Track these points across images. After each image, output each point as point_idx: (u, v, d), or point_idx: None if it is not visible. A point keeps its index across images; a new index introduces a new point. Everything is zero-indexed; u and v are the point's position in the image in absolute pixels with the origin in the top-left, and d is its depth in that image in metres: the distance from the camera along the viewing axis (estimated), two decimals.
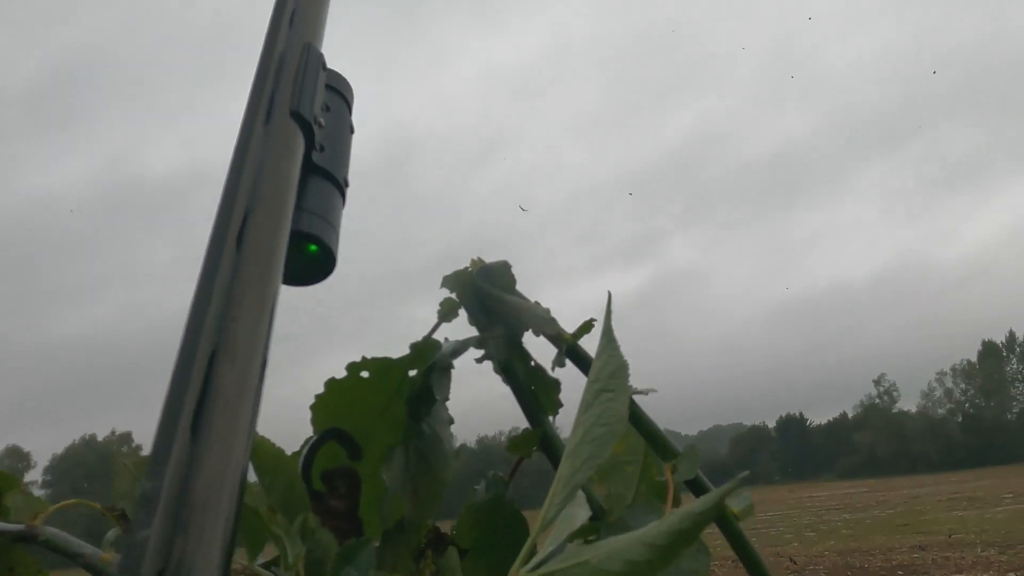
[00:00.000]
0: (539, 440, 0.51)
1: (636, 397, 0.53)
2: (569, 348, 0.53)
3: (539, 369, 0.52)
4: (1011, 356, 47.80)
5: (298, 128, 0.30)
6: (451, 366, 0.56)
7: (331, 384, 0.53)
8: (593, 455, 0.36)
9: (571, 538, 0.47)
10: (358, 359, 0.54)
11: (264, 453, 0.48)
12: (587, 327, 0.54)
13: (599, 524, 0.48)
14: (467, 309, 0.55)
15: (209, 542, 0.18)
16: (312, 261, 0.30)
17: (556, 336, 0.53)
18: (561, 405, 0.53)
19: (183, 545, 0.17)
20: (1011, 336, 47.90)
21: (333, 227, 0.31)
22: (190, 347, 0.21)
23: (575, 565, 0.33)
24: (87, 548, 0.55)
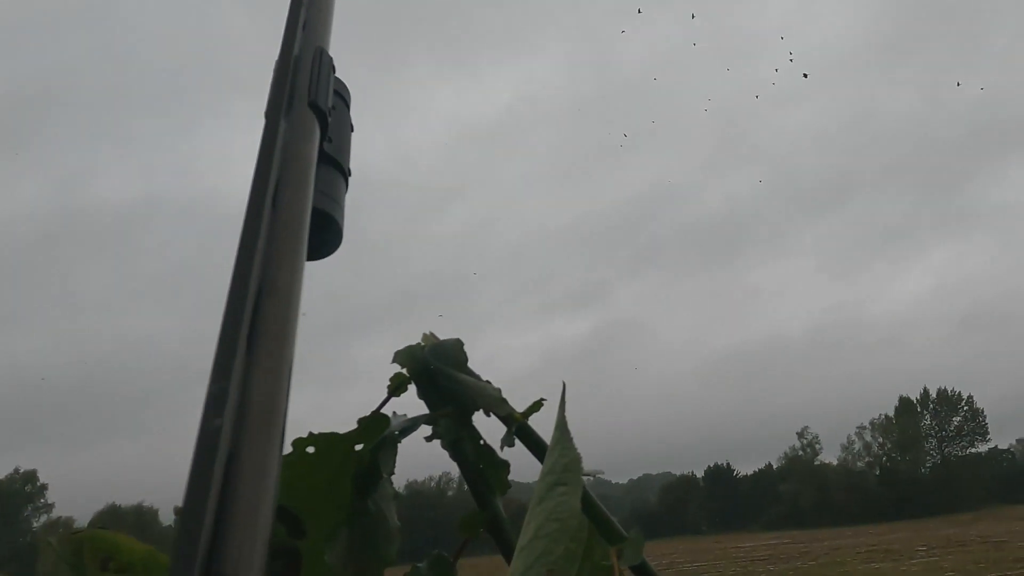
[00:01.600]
0: (488, 522, 0.51)
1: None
2: (519, 427, 0.53)
3: (488, 449, 0.52)
4: (925, 412, 49.84)
5: (315, 117, 0.34)
6: (398, 441, 0.56)
7: None
8: (546, 551, 0.36)
9: None
10: (303, 434, 0.53)
11: None
12: (536, 406, 0.54)
13: None
14: (417, 385, 0.55)
15: (268, 433, 0.21)
16: (321, 236, 0.35)
17: (507, 415, 0.53)
18: (509, 486, 0.53)
19: (249, 435, 0.21)
20: (925, 393, 50.04)
21: (340, 207, 0.35)
22: (241, 282, 0.25)
23: None
24: None
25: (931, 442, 49.41)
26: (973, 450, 48.95)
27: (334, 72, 0.38)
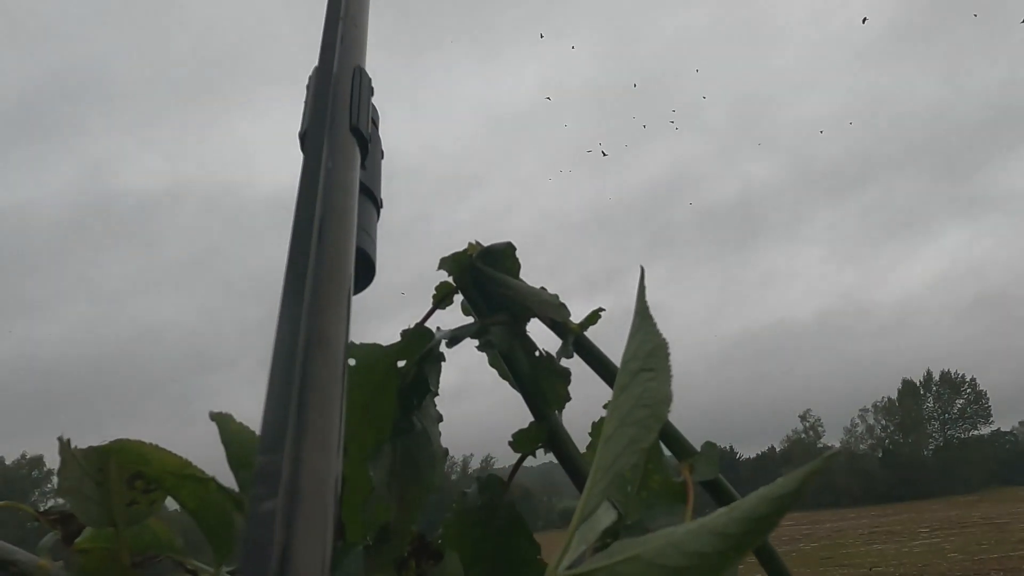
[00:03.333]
0: (545, 436, 0.47)
1: None
2: (576, 339, 0.49)
3: (547, 358, 0.48)
4: (928, 395, 49.86)
5: (355, 142, 0.32)
6: (443, 357, 0.51)
7: None
8: (636, 438, 0.32)
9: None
10: None
11: (241, 443, 0.42)
12: (594, 317, 0.50)
13: (616, 527, 0.44)
14: (465, 294, 0.50)
15: (323, 518, 0.20)
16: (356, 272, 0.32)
17: (563, 325, 0.49)
18: (569, 398, 0.48)
19: (305, 512, 0.19)
20: (928, 376, 50.03)
21: (374, 242, 0.34)
22: (289, 337, 0.23)
23: (623, 561, 0.29)
24: (21, 554, 0.48)
25: (934, 424, 49.48)
26: (976, 432, 49.06)
27: (373, 94, 0.36)
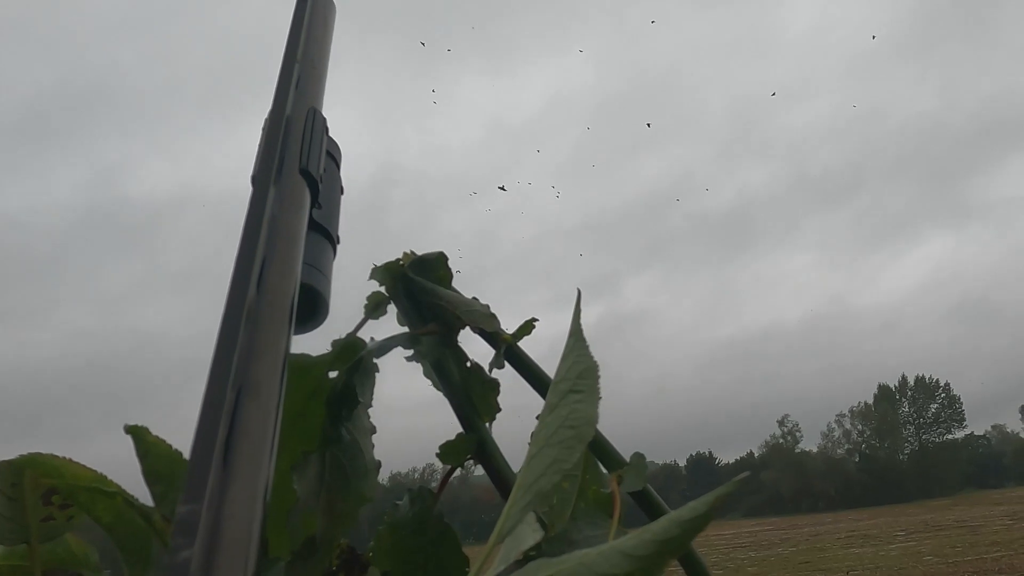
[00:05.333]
0: (474, 447, 0.46)
1: None
2: (508, 349, 0.48)
3: (476, 369, 0.48)
4: (903, 400, 50.47)
5: (305, 184, 0.33)
6: (376, 368, 0.51)
7: None
8: (559, 459, 0.32)
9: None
10: None
11: (158, 456, 0.41)
12: (527, 327, 0.50)
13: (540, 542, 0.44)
14: (396, 303, 0.50)
15: (241, 562, 0.20)
16: (305, 311, 0.33)
17: (495, 335, 0.48)
18: (499, 409, 0.48)
19: (222, 564, 0.19)
20: (903, 381, 50.65)
21: (327, 280, 0.34)
22: (219, 383, 0.23)
23: None
24: None
25: (909, 429, 50.08)
26: (950, 436, 49.70)
27: (327, 133, 0.37)
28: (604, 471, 0.53)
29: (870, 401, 51.28)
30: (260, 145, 0.36)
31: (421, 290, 0.48)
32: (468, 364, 0.48)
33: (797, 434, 53.18)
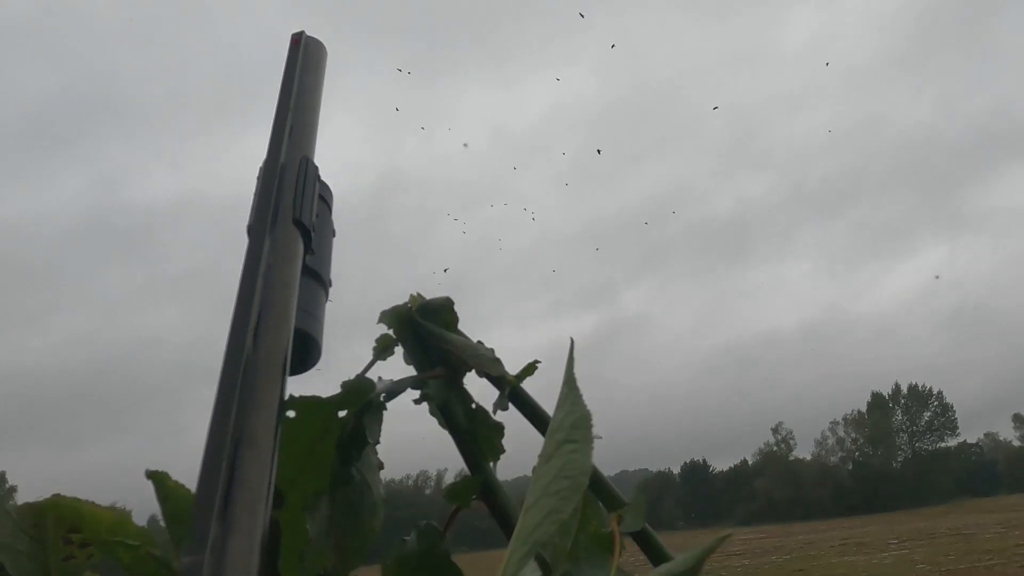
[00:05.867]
0: (479, 488, 0.48)
1: None
2: (512, 391, 0.50)
3: (481, 412, 0.49)
4: (896, 408, 50.59)
5: (299, 234, 0.34)
6: (384, 407, 0.53)
7: None
8: (556, 509, 0.34)
9: None
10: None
11: (178, 500, 0.43)
12: (530, 369, 0.52)
13: None
14: (404, 346, 0.52)
15: None
16: (301, 354, 0.35)
17: (499, 378, 0.50)
18: (503, 451, 0.50)
19: None
20: (897, 389, 50.79)
21: (320, 323, 0.36)
22: (219, 436, 0.25)
23: None
24: None
25: (902, 437, 50.17)
26: (943, 444, 49.81)
27: (319, 180, 0.38)
28: (602, 508, 0.55)
29: (863, 409, 51.42)
30: (255, 195, 0.38)
31: (428, 334, 0.50)
32: (473, 406, 0.50)
33: (791, 442, 53.26)
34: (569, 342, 0.40)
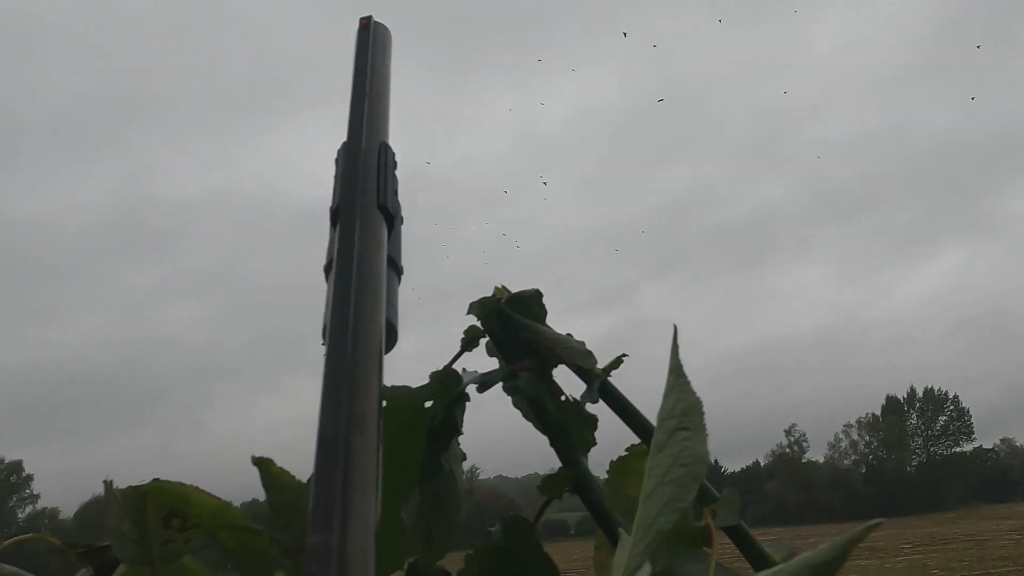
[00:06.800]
0: (574, 481, 0.48)
1: None
2: (601, 384, 0.50)
3: (574, 404, 0.50)
4: (911, 411, 50.19)
5: (383, 220, 0.34)
6: (468, 398, 0.53)
7: None
8: (675, 497, 0.34)
9: None
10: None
11: (282, 487, 0.43)
12: (617, 362, 0.52)
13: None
14: (493, 338, 0.52)
15: None
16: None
17: (588, 371, 0.50)
18: (594, 443, 0.50)
19: None
20: (912, 392, 50.39)
21: (396, 310, 0.36)
22: (333, 421, 0.25)
23: None
24: None
25: (917, 441, 49.78)
26: (958, 449, 49.39)
27: (396, 167, 0.38)
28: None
29: (878, 412, 51.07)
30: (339, 178, 0.37)
31: (519, 326, 0.50)
32: (563, 398, 0.50)
33: (804, 444, 52.99)
34: (673, 328, 0.39)
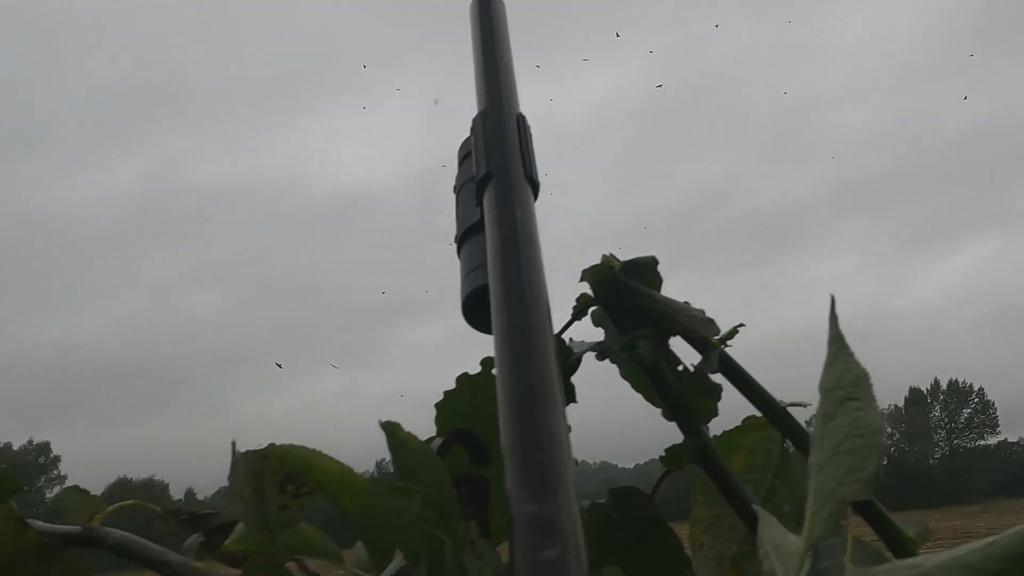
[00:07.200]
0: (697, 452, 0.47)
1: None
2: (720, 355, 0.49)
3: (696, 373, 0.48)
4: (935, 404, 49.63)
5: (530, 191, 0.34)
6: (601, 361, 0.52)
7: (462, 380, 0.48)
8: (854, 468, 0.32)
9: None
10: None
11: (411, 452, 0.42)
12: (733, 332, 0.50)
13: None
14: (605, 307, 0.50)
15: (582, 555, 0.21)
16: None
17: (704, 341, 0.49)
18: (716, 414, 0.48)
19: (577, 558, 0.21)
20: (936, 384, 49.80)
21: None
22: (528, 389, 0.26)
23: None
24: (172, 555, 0.48)
25: (940, 433, 49.26)
26: (982, 442, 48.82)
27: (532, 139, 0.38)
28: (796, 475, 0.53)
29: (901, 404, 50.54)
30: (479, 147, 0.38)
31: (635, 293, 0.49)
32: (681, 368, 0.49)
33: None
34: (830, 299, 0.38)
